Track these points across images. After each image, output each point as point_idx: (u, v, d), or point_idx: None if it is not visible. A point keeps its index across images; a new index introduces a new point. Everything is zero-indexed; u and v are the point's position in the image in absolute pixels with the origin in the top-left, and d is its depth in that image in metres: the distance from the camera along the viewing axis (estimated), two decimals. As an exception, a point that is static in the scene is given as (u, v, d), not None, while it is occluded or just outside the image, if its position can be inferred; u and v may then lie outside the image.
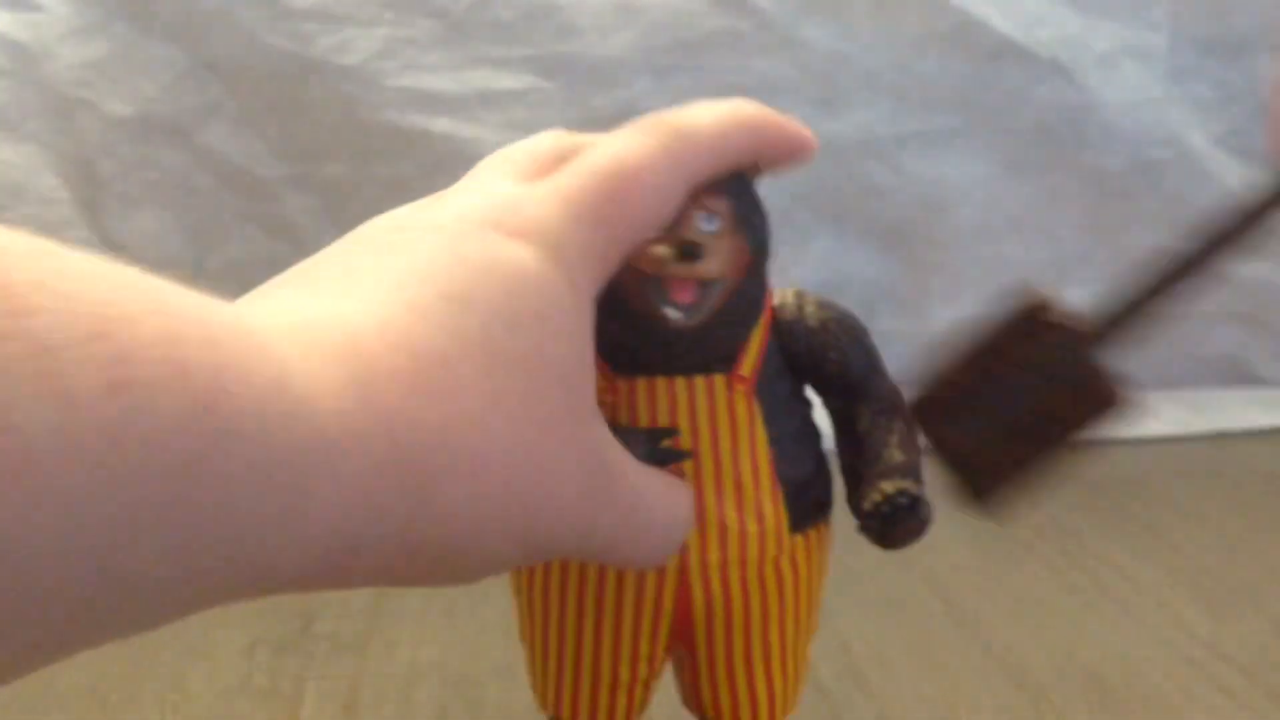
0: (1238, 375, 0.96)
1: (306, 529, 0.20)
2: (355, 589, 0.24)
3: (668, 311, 0.29)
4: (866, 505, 0.31)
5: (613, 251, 0.26)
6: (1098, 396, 0.29)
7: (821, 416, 0.34)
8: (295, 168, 0.86)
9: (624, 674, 0.33)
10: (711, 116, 0.27)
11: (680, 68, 0.85)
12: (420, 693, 0.52)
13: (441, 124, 0.85)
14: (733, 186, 0.29)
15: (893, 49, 0.87)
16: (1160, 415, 0.90)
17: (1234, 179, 0.91)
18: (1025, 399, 0.29)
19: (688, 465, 0.31)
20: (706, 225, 0.29)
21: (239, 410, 0.19)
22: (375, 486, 0.21)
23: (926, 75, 0.88)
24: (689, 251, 0.28)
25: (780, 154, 0.29)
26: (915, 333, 0.89)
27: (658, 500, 0.28)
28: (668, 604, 0.32)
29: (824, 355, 0.33)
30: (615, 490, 0.26)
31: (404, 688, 0.53)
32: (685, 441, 0.31)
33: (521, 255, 0.24)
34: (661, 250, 0.28)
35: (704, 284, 0.29)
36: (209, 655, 0.56)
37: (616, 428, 0.30)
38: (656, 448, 0.30)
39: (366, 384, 0.21)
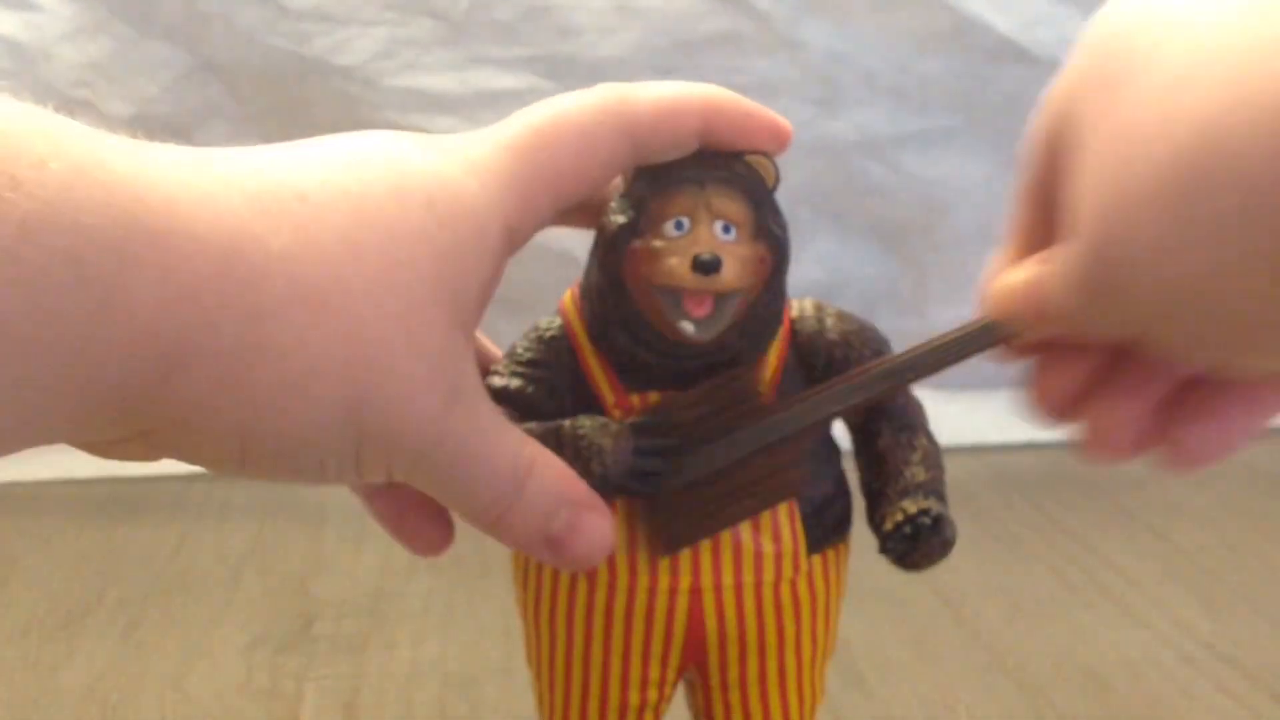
0: (1238, 375, 0.96)
1: (128, 324, 0.19)
2: (183, 457, 0.23)
3: (683, 326, 0.27)
4: (888, 525, 0.30)
5: (534, 179, 0.26)
6: (779, 485, 0.30)
7: (841, 432, 0.33)
8: (295, 168, 0.86)
9: (633, 699, 0.32)
10: (659, 87, 0.27)
11: (680, 68, 0.85)
12: (420, 693, 0.52)
13: (441, 124, 0.84)
14: (752, 194, 0.28)
15: (893, 49, 0.87)
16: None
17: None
18: (727, 465, 0.29)
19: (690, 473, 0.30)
20: (724, 235, 0.28)
21: (36, 198, 0.18)
22: (205, 289, 0.20)
23: (926, 75, 0.88)
24: (707, 266, 0.27)
25: (744, 134, 0.28)
26: (915, 333, 0.89)
27: (519, 449, 0.26)
28: (679, 627, 0.31)
29: (845, 370, 0.31)
30: (467, 404, 0.24)
31: (404, 688, 0.53)
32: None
33: (430, 156, 0.24)
34: (678, 264, 0.27)
35: (721, 297, 0.28)
36: (209, 655, 0.56)
37: (594, 418, 0.29)
38: (642, 437, 0.29)
39: (208, 194, 0.21)
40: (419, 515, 0.29)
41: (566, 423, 0.28)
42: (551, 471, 0.27)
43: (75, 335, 0.19)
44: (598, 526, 0.27)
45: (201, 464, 0.23)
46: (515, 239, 0.26)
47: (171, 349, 0.20)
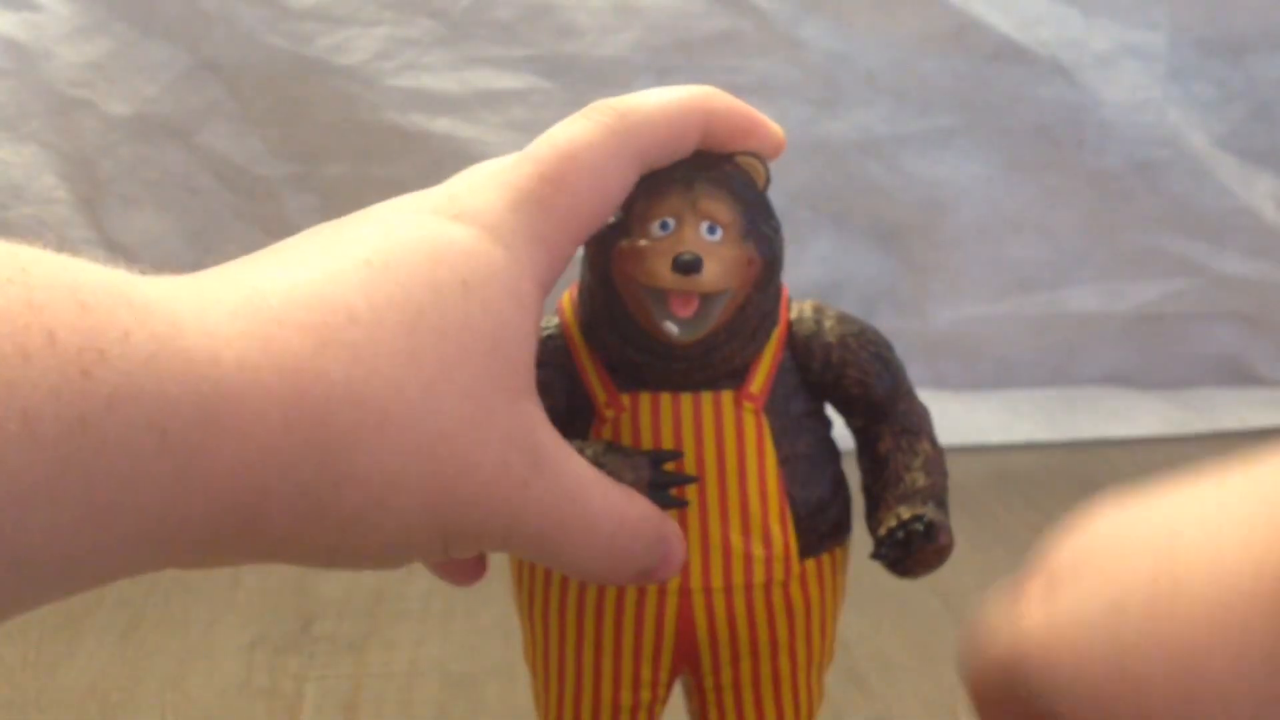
0: (1237, 375, 0.96)
1: (208, 487, 0.20)
2: (273, 561, 0.24)
3: (668, 326, 0.27)
4: (881, 531, 0.30)
5: (557, 232, 0.26)
6: None
7: (843, 435, 0.33)
8: (295, 168, 0.86)
9: (625, 699, 0.32)
10: (658, 96, 0.27)
11: (680, 68, 0.85)
12: (420, 693, 0.52)
13: (441, 124, 0.84)
14: (740, 193, 0.28)
15: (893, 49, 0.87)
16: (1160, 415, 0.91)
17: (1234, 179, 0.91)
18: None
19: (691, 486, 0.30)
20: (709, 236, 0.27)
21: (121, 371, 0.18)
22: (280, 441, 0.21)
23: (926, 75, 0.88)
24: (686, 265, 0.27)
25: (741, 135, 0.28)
26: (915, 333, 0.89)
27: (606, 502, 0.26)
28: (669, 628, 0.31)
29: (843, 373, 0.31)
30: (548, 474, 0.25)
31: (404, 688, 0.53)
32: (689, 461, 0.29)
33: (453, 231, 0.24)
34: (660, 263, 0.27)
35: (707, 297, 0.27)
36: (209, 655, 0.56)
37: (616, 448, 0.29)
38: (659, 470, 0.29)
39: (269, 337, 0.21)
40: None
41: (589, 451, 0.28)
42: (637, 514, 0.27)
43: (159, 500, 0.19)
44: (678, 549, 0.28)
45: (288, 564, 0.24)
46: (545, 289, 0.26)
47: (252, 500, 0.21)
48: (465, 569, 0.31)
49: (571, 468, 0.26)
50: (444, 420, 0.23)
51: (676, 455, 0.29)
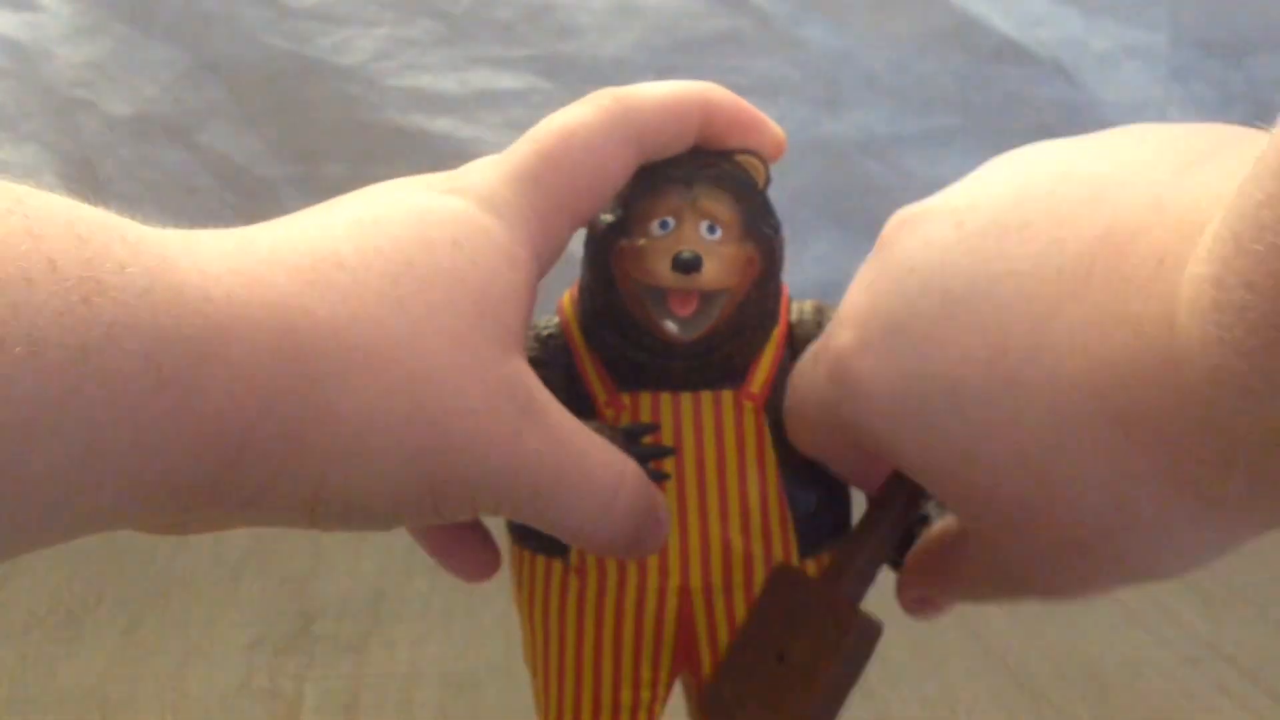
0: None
1: (200, 424, 0.20)
2: (254, 522, 0.23)
3: (667, 324, 0.27)
4: None
5: (553, 208, 0.26)
6: (840, 627, 0.29)
7: None
8: (295, 168, 0.86)
9: (625, 698, 0.32)
10: (657, 87, 0.27)
11: (680, 68, 0.85)
12: (420, 693, 0.52)
13: (441, 124, 0.84)
14: (740, 193, 0.28)
15: (893, 49, 0.87)
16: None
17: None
18: (787, 655, 0.28)
19: (691, 485, 0.30)
20: (709, 235, 0.27)
21: (119, 302, 0.18)
22: (266, 375, 0.21)
23: (926, 75, 0.88)
24: (686, 264, 0.27)
25: (741, 131, 0.28)
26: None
27: (605, 456, 0.26)
28: (669, 627, 0.31)
29: None
30: (541, 424, 0.24)
31: (404, 688, 0.53)
32: (689, 460, 0.29)
33: (446, 200, 0.25)
34: (660, 263, 0.27)
35: (706, 296, 0.27)
36: (209, 655, 0.56)
37: (589, 422, 0.29)
38: (637, 444, 0.28)
39: (257, 277, 0.21)
40: (466, 544, 0.30)
41: None
42: (633, 471, 0.27)
43: (155, 436, 0.19)
44: (665, 520, 0.28)
45: (273, 525, 0.24)
46: (542, 266, 0.26)
47: (238, 438, 0.21)
48: (475, 560, 0.30)
49: (566, 420, 0.25)
50: (430, 362, 0.23)
51: (653, 428, 0.29)
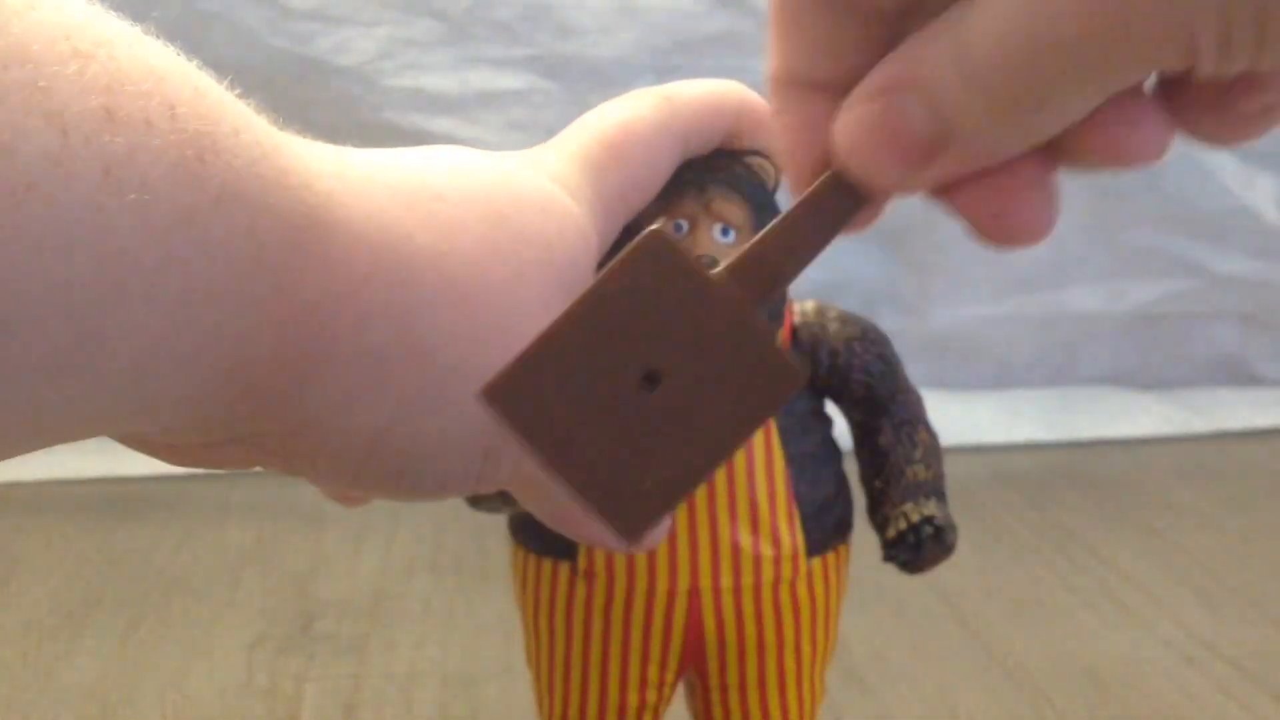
0: (1237, 375, 0.96)
1: (287, 317, 0.18)
2: (292, 469, 0.21)
3: None
4: (891, 533, 0.31)
5: (613, 197, 0.26)
6: (763, 372, 0.19)
7: (842, 431, 0.33)
8: (295, 168, 0.86)
9: (632, 700, 0.32)
10: (697, 87, 0.28)
11: (680, 68, 0.85)
12: (420, 693, 0.52)
13: (441, 124, 0.84)
14: (751, 196, 0.28)
15: (893, 49, 0.87)
16: (1160, 415, 0.91)
17: (1234, 179, 0.91)
18: (662, 381, 0.19)
19: (700, 487, 0.30)
20: (722, 238, 0.28)
21: (232, 167, 0.17)
22: (361, 289, 0.19)
23: (926, 75, 0.88)
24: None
25: (762, 134, 0.28)
26: (915, 333, 0.89)
27: None
28: (678, 629, 0.31)
29: (849, 376, 0.32)
30: None
31: (404, 688, 0.53)
32: None
33: (528, 174, 0.24)
34: None
35: None
36: (209, 655, 0.56)
37: None
38: None
39: (357, 190, 0.20)
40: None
41: None
42: None
43: (242, 321, 0.18)
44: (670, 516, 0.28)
45: (306, 475, 0.22)
46: (599, 253, 0.26)
47: (324, 346, 0.19)
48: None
49: None
50: (522, 319, 0.21)
51: None
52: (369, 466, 0.21)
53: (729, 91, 0.28)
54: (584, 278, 0.24)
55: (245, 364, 0.18)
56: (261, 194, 0.17)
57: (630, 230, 0.28)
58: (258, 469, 0.23)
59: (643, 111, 0.26)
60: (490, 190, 0.22)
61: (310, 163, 0.19)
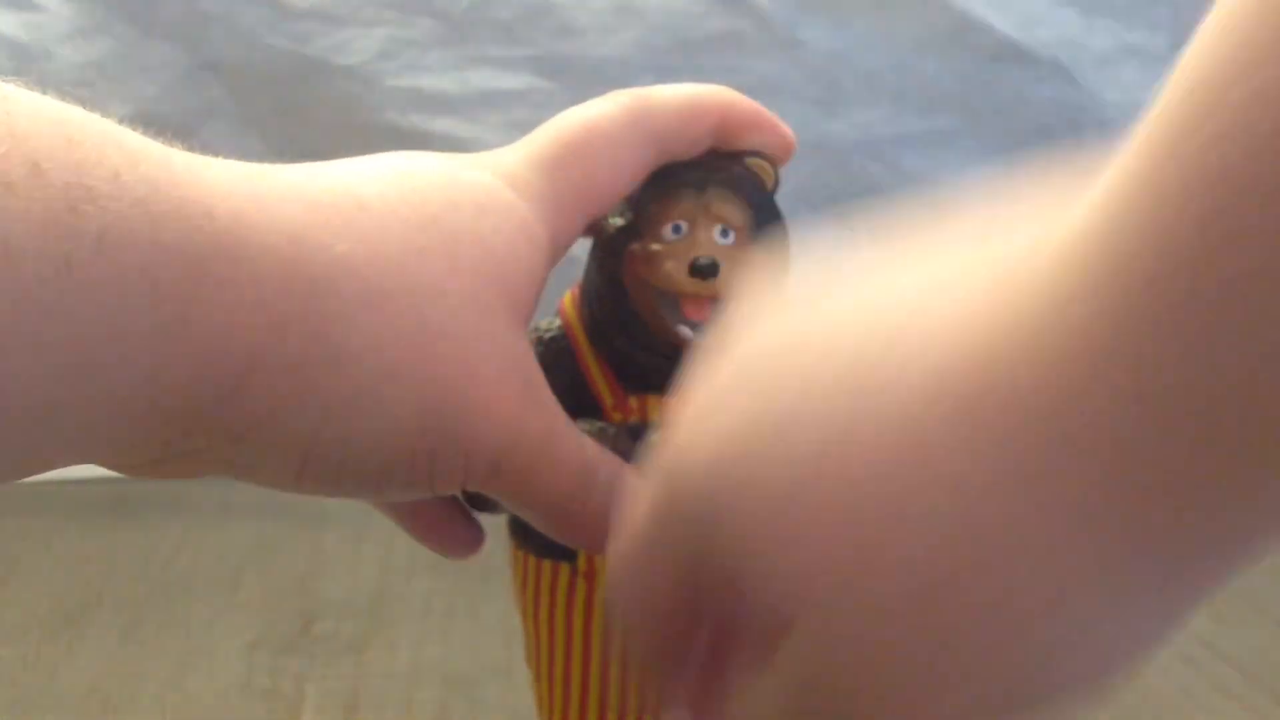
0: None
1: (197, 347, 0.19)
2: (240, 474, 0.22)
3: (682, 330, 0.27)
4: None
5: (572, 196, 0.26)
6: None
7: None
8: (295, 168, 0.86)
9: (633, 700, 0.32)
10: (676, 89, 0.28)
11: (680, 68, 0.85)
12: (420, 693, 0.52)
13: (441, 124, 0.84)
14: (750, 197, 0.28)
15: (893, 49, 0.87)
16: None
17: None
18: None
19: None
20: (722, 239, 0.28)
21: (111, 211, 0.17)
22: (275, 304, 0.20)
23: (926, 75, 0.88)
24: (704, 270, 0.27)
25: (751, 134, 0.28)
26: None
27: (588, 451, 0.25)
28: None
29: None
30: (537, 408, 0.24)
31: (404, 688, 0.53)
32: None
33: (470, 171, 0.24)
34: (675, 267, 0.27)
35: (719, 301, 0.27)
36: (209, 655, 0.56)
37: (584, 421, 0.28)
38: (641, 442, 0.28)
39: (270, 206, 0.20)
40: (450, 521, 0.29)
41: None
42: (613, 467, 0.26)
43: (148, 355, 0.18)
44: None
45: (253, 480, 0.22)
46: (555, 248, 0.26)
47: (240, 364, 0.20)
48: (460, 537, 0.29)
49: (557, 407, 0.25)
50: (448, 319, 0.22)
51: (651, 424, 0.29)
52: (309, 469, 0.22)
53: (710, 94, 0.28)
54: (528, 270, 0.24)
55: (165, 391, 0.19)
56: (150, 230, 0.18)
57: (592, 229, 0.28)
58: None
59: (610, 111, 0.26)
60: (423, 194, 0.23)
61: (217, 186, 0.20)
